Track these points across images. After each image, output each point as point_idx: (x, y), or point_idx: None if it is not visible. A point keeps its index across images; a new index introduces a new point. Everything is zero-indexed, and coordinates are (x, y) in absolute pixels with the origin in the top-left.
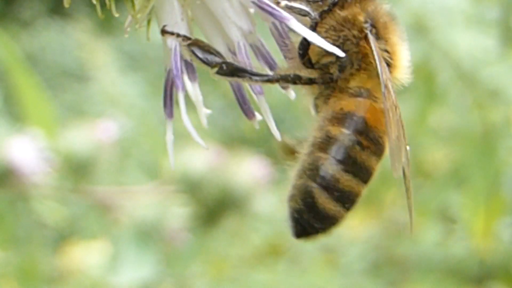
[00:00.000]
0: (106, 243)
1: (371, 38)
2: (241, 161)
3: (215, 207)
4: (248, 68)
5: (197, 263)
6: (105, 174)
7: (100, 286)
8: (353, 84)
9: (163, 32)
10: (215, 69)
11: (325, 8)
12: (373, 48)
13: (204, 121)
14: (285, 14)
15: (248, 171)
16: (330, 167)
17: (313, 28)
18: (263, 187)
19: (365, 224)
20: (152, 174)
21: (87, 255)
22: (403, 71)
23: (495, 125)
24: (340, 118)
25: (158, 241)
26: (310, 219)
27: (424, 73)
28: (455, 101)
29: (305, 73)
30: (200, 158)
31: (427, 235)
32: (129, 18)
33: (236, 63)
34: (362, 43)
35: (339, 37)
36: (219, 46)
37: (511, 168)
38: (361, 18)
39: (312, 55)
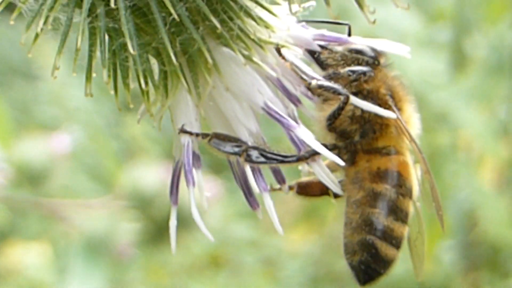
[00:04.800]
0: (47, 246)
1: (399, 116)
2: None
3: (165, 223)
4: (275, 151)
5: (137, 270)
6: (57, 184)
7: None
8: (380, 144)
9: (181, 131)
10: (243, 157)
11: (353, 84)
12: (403, 125)
13: (205, 205)
14: (291, 122)
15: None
16: (384, 219)
17: (345, 103)
18: (210, 204)
19: (305, 238)
20: (98, 179)
21: (26, 256)
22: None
23: (442, 148)
24: (380, 176)
25: (106, 255)
26: (376, 267)
27: None
28: None
29: (329, 140)
30: (151, 174)
31: None
32: (143, 108)
33: (260, 146)
34: None
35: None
36: None
37: (455, 192)
38: (383, 91)
39: (337, 122)
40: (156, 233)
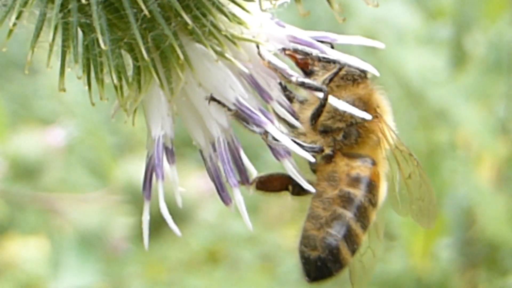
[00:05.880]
0: (44, 240)
1: (386, 124)
2: (188, 175)
3: (159, 218)
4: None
5: (134, 264)
6: (52, 178)
7: None
8: (362, 152)
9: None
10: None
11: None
12: (387, 133)
13: (179, 200)
14: (263, 118)
15: (194, 185)
16: (353, 224)
17: (325, 100)
18: (207, 199)
19: None
20: (95, 173)
21: (24, 250)
22: None
23: (440, 145)
24: (359, 182)
25: (100, 249)
26: (332, 267)
27: None
28: (401, 119)
29: (311, 138)
30: None
31: None
32: (116, 103)
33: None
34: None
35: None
36: (200, 138)
37: (453, 189)
38: (373, 100)
39: (322, 117)
40: (151, 227)
